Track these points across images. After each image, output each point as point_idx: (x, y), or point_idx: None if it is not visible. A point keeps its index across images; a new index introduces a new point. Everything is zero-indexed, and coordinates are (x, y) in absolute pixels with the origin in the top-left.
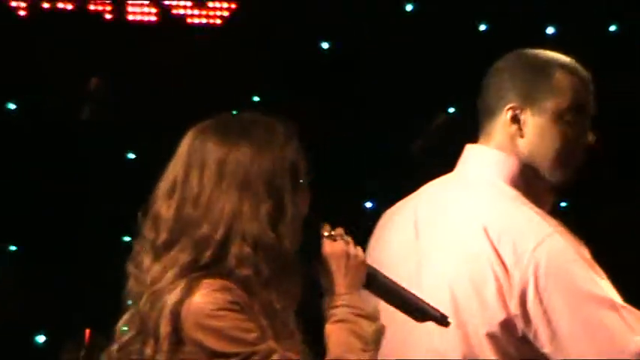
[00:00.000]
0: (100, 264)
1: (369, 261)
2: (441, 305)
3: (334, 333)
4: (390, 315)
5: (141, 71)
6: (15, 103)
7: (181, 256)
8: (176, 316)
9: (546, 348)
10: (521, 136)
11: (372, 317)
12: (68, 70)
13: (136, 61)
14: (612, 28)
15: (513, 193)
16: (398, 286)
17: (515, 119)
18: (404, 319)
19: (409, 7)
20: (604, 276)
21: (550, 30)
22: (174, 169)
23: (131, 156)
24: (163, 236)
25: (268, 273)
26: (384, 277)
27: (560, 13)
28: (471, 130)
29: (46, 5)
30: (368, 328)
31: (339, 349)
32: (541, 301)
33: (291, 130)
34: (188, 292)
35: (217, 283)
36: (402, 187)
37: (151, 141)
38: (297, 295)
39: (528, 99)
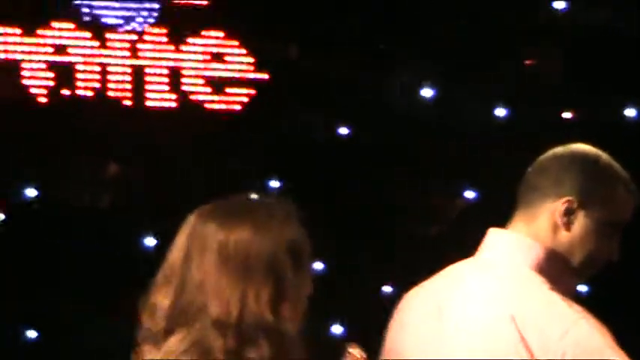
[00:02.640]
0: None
1: (388, 346)
2: None
3: None
4: None
5: (160, 157)
6: (36, 190)
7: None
8: None
9: None
10: (567, 230)
11: None
12: (88, 156)
13: (155, 147)
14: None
15: (539, 280)
16: None
17: (568, 211)
18: None
19: (428, 93)
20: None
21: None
22: (174, 255)
23: (151, 241)
24: (162, 324)
25: (270, 356)
26: None
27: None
28: (487, 215)
29: (66, 92)
30: None
31: None
32: None
33: (292, 212)
34: None
35: None
36: (420, 271)
37: (170, 226)
38: None
39: (587, 200)
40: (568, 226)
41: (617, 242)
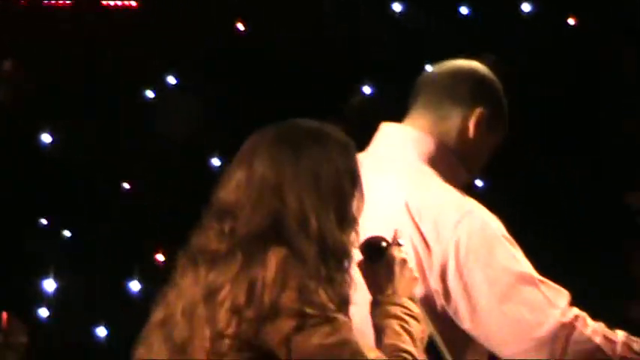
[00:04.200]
0: (11, 249)
1: None
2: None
3: (389, 326)
4: None
5: (55, 54)
6: None
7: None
8: None
9: (466, 324)
10: (473, 136)
11: (421, 320)
12: None
13: (50, 44)
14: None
15: (431, 172)
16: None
17: (479, 120)
18: None
19: None
20: (521, 252)
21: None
22: (240, 170)
23: (46, 139)
24: (230, 225)
25: (327, 271)
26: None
27: None
28: (384, 110)
29: None
30: (417, 328)
31: (395, 338)
32: (461, 277)
33: (351, 141)
34: None
35: None
36: None
37: (66, 123)
38: (347, 297)
39: (493, 115)
40: (474, 132)
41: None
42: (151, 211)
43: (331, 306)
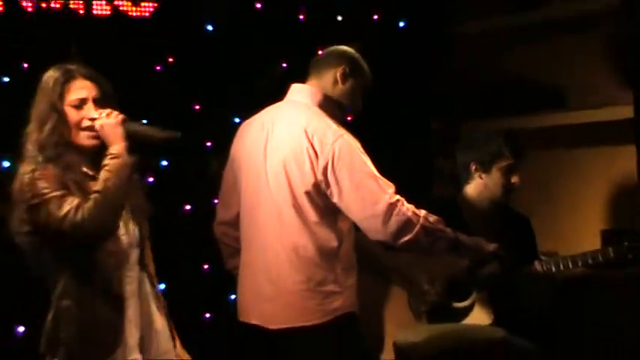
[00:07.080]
0: None
1: (232, 154)
2: (278, 175)
3: (103, 174)
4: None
5: None
6: None
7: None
8: None
9: (335, 199)
10: (342, 84)
11: (118, 155)
12: None
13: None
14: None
15: (320, 112)
16: (142, 127)
17: (344, 73)
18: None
19: None
20: (369, 159)
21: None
22: None
23: None
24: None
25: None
26: (138, 125)
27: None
28: (292, 77)
29: None
30: (115, 163)
31: (105, 183)
32: (334, 173)
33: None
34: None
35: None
36: (254, 109)
37: None
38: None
39: (353, 71)
40: (343, 82)
41: (360, 102)
42: None
43: None
